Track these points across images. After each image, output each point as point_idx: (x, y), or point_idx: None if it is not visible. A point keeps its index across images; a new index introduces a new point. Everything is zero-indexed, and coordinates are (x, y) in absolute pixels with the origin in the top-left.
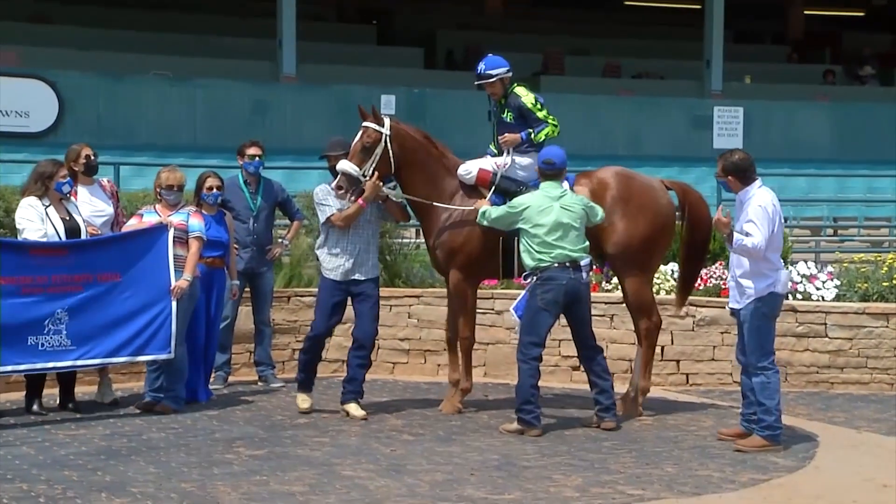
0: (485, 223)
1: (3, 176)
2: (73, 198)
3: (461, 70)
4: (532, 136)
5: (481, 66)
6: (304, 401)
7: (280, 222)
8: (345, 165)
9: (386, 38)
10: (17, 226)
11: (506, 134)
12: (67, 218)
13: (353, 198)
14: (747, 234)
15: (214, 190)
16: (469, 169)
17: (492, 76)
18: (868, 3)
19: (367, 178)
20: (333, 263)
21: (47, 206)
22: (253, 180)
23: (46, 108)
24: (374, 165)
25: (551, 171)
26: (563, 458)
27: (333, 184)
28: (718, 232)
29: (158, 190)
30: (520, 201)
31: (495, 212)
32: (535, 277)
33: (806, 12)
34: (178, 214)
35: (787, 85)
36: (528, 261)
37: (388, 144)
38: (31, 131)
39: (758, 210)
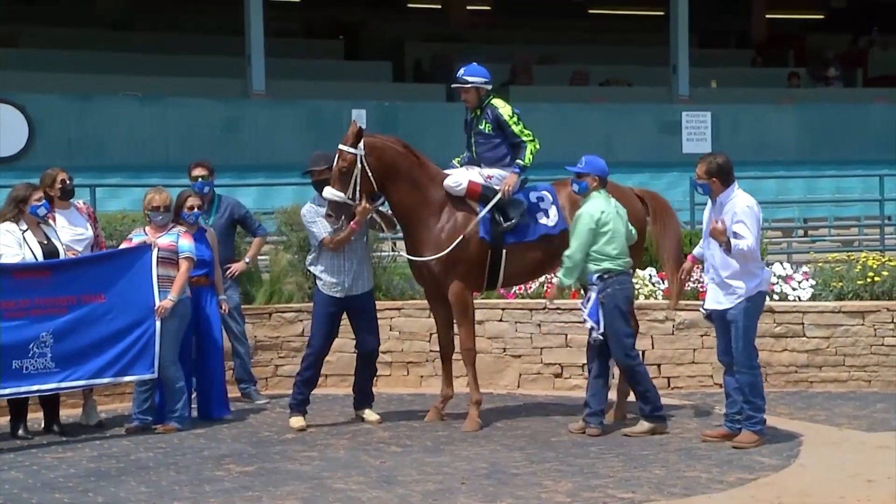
0: (571, 276)
1: None
2: (51, 221)
3: (430, 82)
4: (523, 163)
5: (461, 72)
6: (297, 421)
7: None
8: (329, 193)
9: (353, 52)
10: None
11: (508, 179)
12: (45, 242)
13: (344, 223)
14: (735, 235)
15: (195, 209)
16: (459, 181)
17: (468, 82)
18: (827, 5)
19: (355, 201)
20: (332, 281)
21: (24, 231)
22: (203, 200)
23: (16, 132)
24: (357, 188)
25: (604, 180)
26: (551, 464)
27: (324, 213)
28: (715, 240)
29: (146, 212)
30: (591, 214)
31: (577, 251)
32: (602, 282)
33: (768, 16)
34: (167, 235)
35: (753, 88)
36: (597, 267)
37: (364, 164)
38: (2, 155)
39: (746, 210)
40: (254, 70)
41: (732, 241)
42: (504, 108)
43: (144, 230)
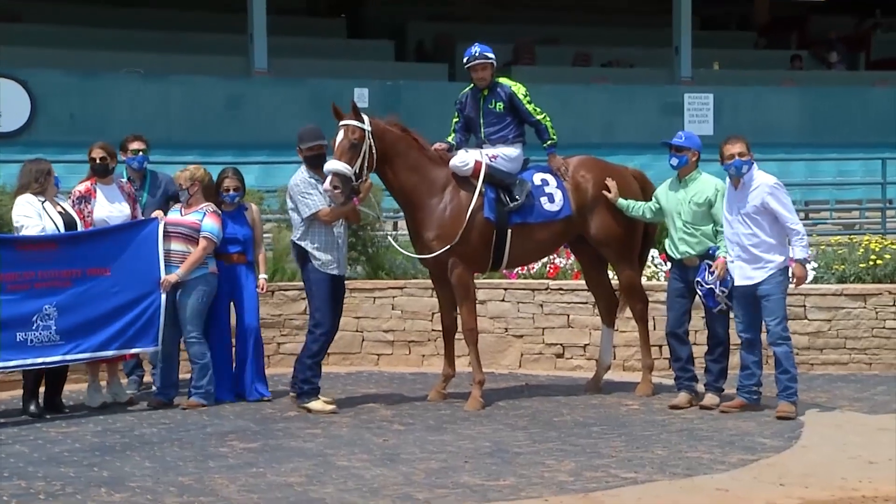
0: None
1: None
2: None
3: (432, 62)
4: (554, 141)
5: (475, 50)
6: (323, 404)
7: None
8: (338, 165)
9: (356, 31)
10: (15, 223)
11: (555, 161)
12: (64, 212)
13: (343, 197)
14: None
15: (231, 191)
16: (466, 160)
17: (488, 58)
18: None
19: (361, 177)
20: (328, 258)
21: (43, 202)
22: (137, 176)
23: (18, 108)
24: (364, 162)
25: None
26: (553, 443)
27: (327, 184)
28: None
29: (179, 190)
30: (720, 188)
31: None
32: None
33: None
34: (195, 213)
35: (755, 70)
36: (703, 246)
37: (372, 140)
38: (4, 131)
39: (777, 188)
40: (256, 48)
41: (801, 253)
42: (517, 88)
43: (179, 206)
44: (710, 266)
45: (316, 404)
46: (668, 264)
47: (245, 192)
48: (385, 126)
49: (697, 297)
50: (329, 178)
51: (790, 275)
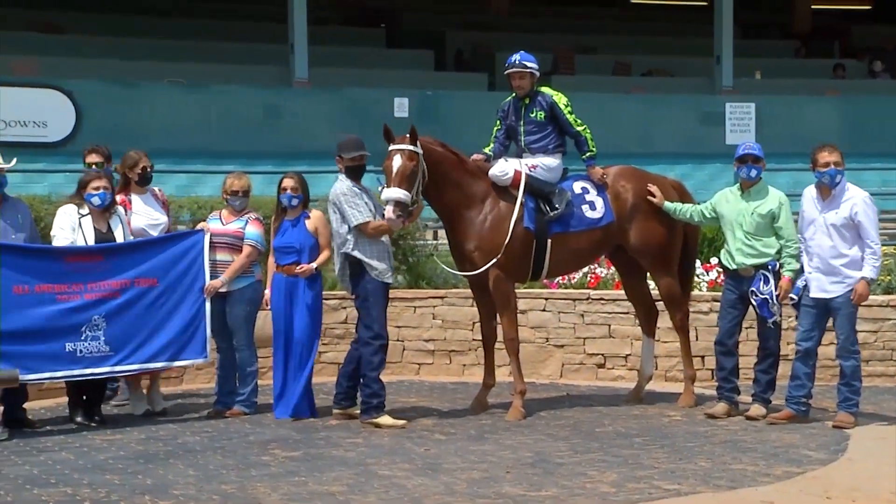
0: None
1: (24, 186)
2: (122, 208)
3: (471, 71)
4: (594, 153)
5: (516, 58)
6: (392, 419)
7: None
8: (398, 194)
9: (395, 40)
10: (52, 233)
11: (594, 171)
12: (105, 231)
13: (402, 223)
14: (859, 229)
15: (288, 191)
16: (505, 170)
17: (527, 66)
18: None
19: (416, 201)
20: (384, 267)
21: (83, 216)
22: None
23: (64, 117)
24: (419, 187)
25: None
26: (595, 454)
27: (389, 213)
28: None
29: (225, 196)
30: (786, 200)
31: (790, 227)
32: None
33: (813, 7)
34: (237, 221)
35: (796, 80)
36: (761, 259)
37: (424, 163)
38: (49, 141)
39: (869, 202)
40: (297, 58)
41: (867, 258)
42: (559, 97)
43: (220, 214)
44: (765, 276)
45: (385, 419)
46: (709, 274)
47: (307, 199)
48: (431, 146)
49: (751, 307)
50: (391, 207)
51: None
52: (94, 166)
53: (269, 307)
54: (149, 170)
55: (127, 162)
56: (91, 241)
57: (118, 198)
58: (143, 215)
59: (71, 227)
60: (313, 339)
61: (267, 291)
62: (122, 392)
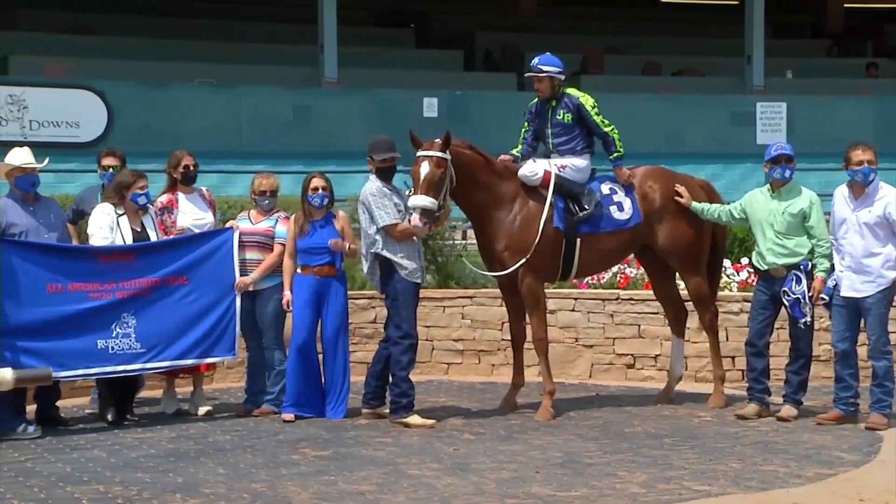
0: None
1: (57, 186)
2: (151, 209)
3: (500, 71)
4: (621, 154)
5: (535, 61)
6: (422, 419)
7: None
8: (425, 202)
9: (424, 41)
10: (88, 231)
11: (621, 173)
12: (139, 230)
13: (428, 229)
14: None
15: (320, 191)
16: (535, 170)
17: (542, 71)
18: None
19: (443, 207)
20: (414, 266)
21: (120, 216)
22: None
23: (96, 118)
24: (447, 193)
25: None
26: (625, 455)
27: (416, 220)
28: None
29: (253, 196)
30: (817, 200)
31: (822, 226)
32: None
33: (846, 5)
34: (267, 220)
35: (829, 79)
36: (792, 258)
37: (452, 169)
38: (82, 141)
39: None
40: (326, 58)
41: None
42: (585, 99)
43: (249, 214)
44: (797, 276)
45: (415, 419)
46: (739, 275)
47: (333, 198)
48: (459, 150)
49: (783, 307)
50: (417, 215)
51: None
52: (111, 169)
53: (290, 309)
54: (191, 168)
55: (171, 161)
56: (129, 241)
57: (165, 197)
58: (188, 214)
59: (109, 227)
60: (346, 338)
61: (287, 293)
62: (93, 403)
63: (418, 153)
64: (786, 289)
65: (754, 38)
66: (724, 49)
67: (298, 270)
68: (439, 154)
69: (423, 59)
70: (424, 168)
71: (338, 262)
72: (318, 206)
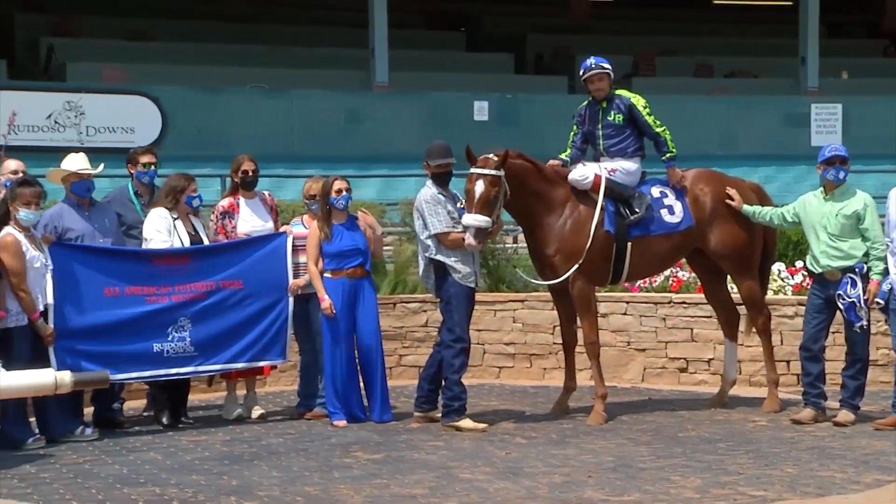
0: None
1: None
2: (193, 217)
3: (551, 74)
4: (673, 154)
5: (590, 61)
6: (473, 422)
7: None
8: (478, 220)
9: (475, 44)
10: (145, 235)
11: (673, 174)
12: (193, 233)
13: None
14: None
15: (344, 192)
16: (586, 174)
17: (604, 68)
18: None
19: (496, 222)
20: (468, 270)
21: (175, 219)
22: (146, 191)
23: (150, 123)
24: (500, 209)
25: None
26: (678, 459)
27: (470, 240)
28: None
29: (305, 200)
30: (867, 203)
31: (876, 228)
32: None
33: None
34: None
35: (884, 79)
36: (846, 261)
37: (506, 186)
38: (138, 146)
39: None
40: (377, 62)
41: None
42: (637, 100)
43: (302, 219)
44: (852, 280)
45: (467, 423)
46: (794, 278)
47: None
48: (511, 161)
49: (839, 311)
50: (471, 235)
51: None
52: (152, 167)
53: (333, 313)
54: (250, 174)
55: (232, 165)
56: (186, 243)
57: (226, 201)
58: (247, 221)
59: (167, 230)
60: (380, 339)
61: (327, 298)
62: (150, 405)
63: (472, 170)
64: (840, 292)
65: (809, 38)
66: (778, 50)
67: (328, 275)
68: (493, 172)
69: (473, 62)
70: (479, 187)
71: (367, 264)
72: (343, 209)
